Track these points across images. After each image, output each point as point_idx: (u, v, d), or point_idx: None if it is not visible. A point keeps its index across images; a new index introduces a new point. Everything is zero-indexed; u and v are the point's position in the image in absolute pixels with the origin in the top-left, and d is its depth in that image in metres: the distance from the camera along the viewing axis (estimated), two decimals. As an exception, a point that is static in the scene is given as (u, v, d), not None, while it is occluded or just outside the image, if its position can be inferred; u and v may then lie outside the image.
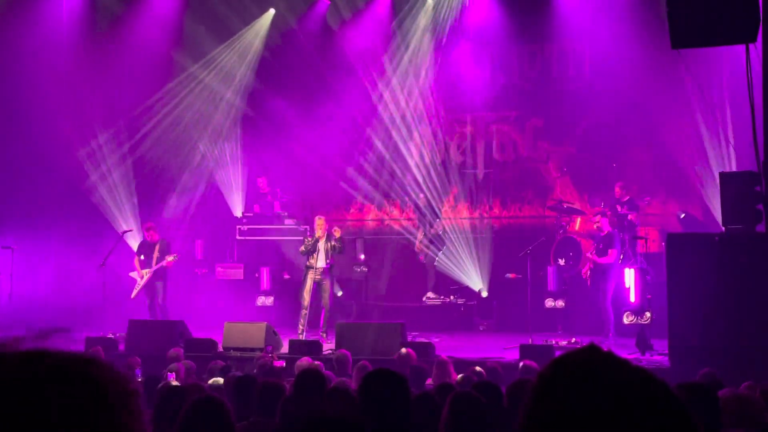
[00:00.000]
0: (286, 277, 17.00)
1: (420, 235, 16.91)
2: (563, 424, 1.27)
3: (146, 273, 14.95)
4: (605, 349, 1.36)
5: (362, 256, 17.08)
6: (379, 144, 18.29)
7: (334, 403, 5.04)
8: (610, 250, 13.49)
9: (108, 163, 17.57)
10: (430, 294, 16.57)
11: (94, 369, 1.25)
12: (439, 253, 16.66)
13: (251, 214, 17.53)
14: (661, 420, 1.27)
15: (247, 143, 18.65)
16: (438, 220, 16.86)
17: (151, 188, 17.75)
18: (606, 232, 13.77)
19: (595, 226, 14.11)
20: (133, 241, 16.41)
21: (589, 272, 13.96)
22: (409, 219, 17.98)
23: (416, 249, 16.92)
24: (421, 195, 17.23)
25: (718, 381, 6.76)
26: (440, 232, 16.77)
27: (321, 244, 13.91)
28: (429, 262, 16.78)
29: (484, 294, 16.24)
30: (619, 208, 14.90)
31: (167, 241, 15.22)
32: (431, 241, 16.70)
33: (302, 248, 14.12)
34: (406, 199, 17.99)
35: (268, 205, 17.48)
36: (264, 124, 18.54)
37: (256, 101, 18.71)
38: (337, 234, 13.98)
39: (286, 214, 17.27)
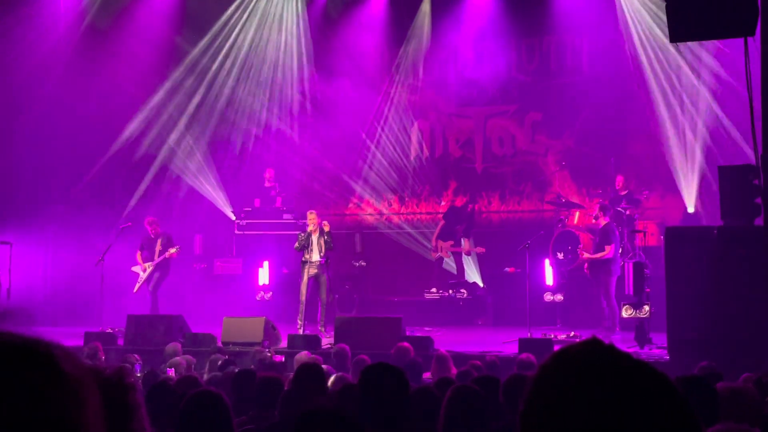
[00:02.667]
0: (285, 271, 16.99)
1: (448, 246, 16.69)
2: (564, 416, 1.27)
3: (149, 266, 14.98)
4: (607, 343, 1.36)
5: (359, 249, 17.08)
6: (377, 138, 18.30)
7: (339, 397, 5.05)
8: (606, 246, 13.37)
9: (104, 159, 17.57)
10: (433, 289, 16.55)
11: (58, 352, 1.23)
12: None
13: (250, 209, 17.51)
14: (663, 413, 1.27)
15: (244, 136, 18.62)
16: (465, 239, 16.66)
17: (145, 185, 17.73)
18: (603, 225, 13.67)
19: (593, 219, 14.07)
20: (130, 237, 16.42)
21: (587, 267, 13.84)
22: (411, 213, 17.98)
23: (435, 246, 16.77)
24: (471, 205, 17.01)
25: (717, 373, 6.76)
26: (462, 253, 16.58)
27: (314, 239, 13.93)
28: (442, 264, 16.76)
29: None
30: (623, 204, 14.88)
31: (169, 235, 15.24)
32: (452, 253, 16.58)
33: (296, 245, 14.14)
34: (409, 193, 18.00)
35: (271, 200, 17.46)
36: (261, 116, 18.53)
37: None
38: (326, 228, 13.98)
39: (284, 208, 17.26)
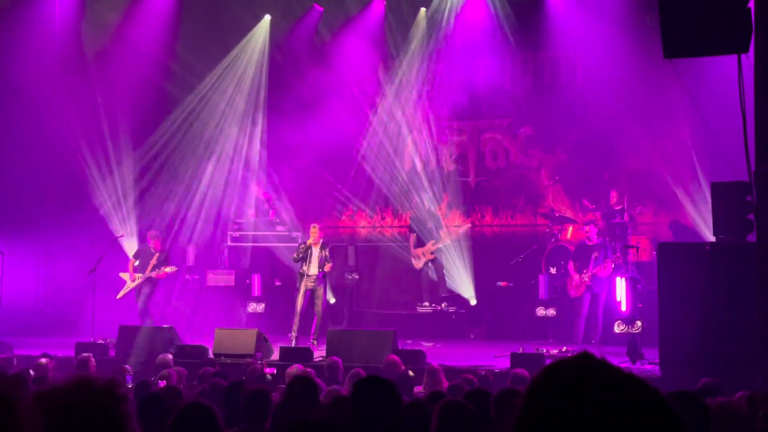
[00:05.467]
0: (278, 284, 16.96)
1: (414, 241, 16.72)
2: (557, 429, 1.27)
3: (139, 277, 14.86)
4: (598, 357, 1.37)
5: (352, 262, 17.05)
6: (371, 151, 18.29)
7: (332, 410, 5.04)
8: (606, 261, 13.47)
9: (99, 170, 17.52)
10: (426, 303, 16.52)
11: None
12: (431, 264, 16.59)
13: (243, 220, 17.50)
14: (654, 426, 1.28)
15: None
16: (442, 230, 16.69)
17: (138, 194, 17.68)
18: (598, 241, 13.74)
19: (586, 234, 14.08)
20: (126, 246, 16.36)
21: (584, 285, 13.77)
22: (404, 226, 17.93)
23: (415, 255, 16.75)
24: (425, 202, 17.07)
25: (718, 389, 6.76)
26: (441, 246, 16.61)
27: (314, 252, 13.87)
28: (427, 274, 16.69)
29: (473, 302, 16.23)
30: (616, 219, 14.95)
31: (168, 252, 15.13)
32: (432, 254, 16.57)
33: (294, 255, 14.10)
34: (400, 207, 18.02)
35: (264, 212, 17.46)
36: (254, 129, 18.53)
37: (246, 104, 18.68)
38: (327, 268, 13.87)
39: (278, 220, 17.25)
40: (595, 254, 13.54)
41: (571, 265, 13.94)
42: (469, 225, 16.65)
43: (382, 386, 4.43)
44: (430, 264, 16.56)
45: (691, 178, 15.75)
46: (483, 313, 16.13)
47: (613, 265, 13.61)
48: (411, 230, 16.91)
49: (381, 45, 18.54)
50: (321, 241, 13.96)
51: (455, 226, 16.98)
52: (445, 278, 16.49)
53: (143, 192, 17.68)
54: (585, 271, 13.52)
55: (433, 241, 16.46)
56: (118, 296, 15.01)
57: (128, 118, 17.62)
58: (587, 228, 14.05)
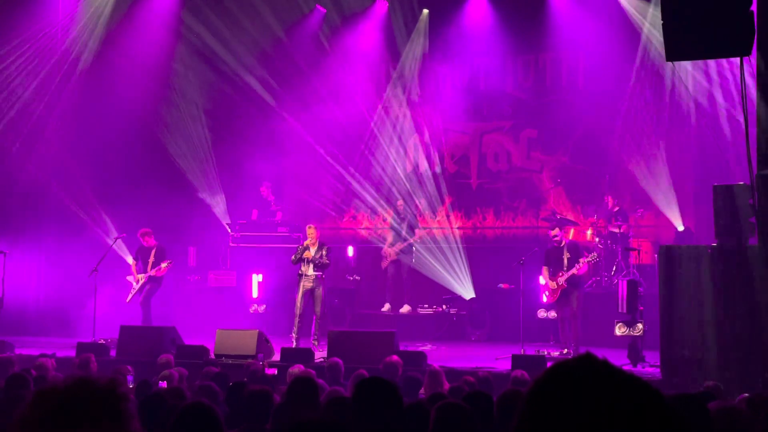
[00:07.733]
0: (280, 284, 16.95)
1: (391, 240, 16.71)
2: (558, 430, 1.27)
3: (142, 278, 14.91)
4: (601, 358, 1.37)
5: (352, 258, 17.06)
6: (373, 153, 18.31)
7: (330, 411, 5.04)
8: (581, 260, 13.17)
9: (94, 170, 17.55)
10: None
11: None
12: (412, 261, 16.59)
13: (245, 221, 17.51)
14: (656, 428, 1.28)
15: (240, 150, 18.60)
16: (416, 230, 16.68)
17: (140, 195, 17.67)
18: (568, 243, 13.48)
19: (555, 237, 13.68)
20: (124, 247, 16.36)
21: (560, 289, 13.38)
22: (422, 228, 17.97)
23: (385, 254, 16.71)
24: (399, 201, 17.10)
25: (720, 392, 6.75)
26: (411, 243, 16.55)
27: (312, 252, 13.88)
28: (395, 270, 16.63)
29: (467, 297, 16.24)
30: (613, 221, 14.95)
31: (163, 247, 15.17)
32: (402, 251, 16.53)
33: (293, 257, 14.11)
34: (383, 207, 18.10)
35: (270, 213, 17.46)
36: (257, 132, 18.52)
37: (248, 108, 18.67)
38: (307, 256, 13.88)
39: (279, 221, 17.26)
40: (567, 255, 13.30)
41: (543, 271, 13.61)
42: (423, 234, 16.80)
43: (384, 387, 4.43)
44: (394, 262, 16.58)
45: (693, 181, 15.75)
46: (484, 315, 16.12)
47: (615, 267, 13.47)
48: (392, 228, 16.84)
49: (383, 47, 18.55)
50: (318, 241, 13.97)
51: (425, 228, 17.03)
52: (403, 278, 16.52)
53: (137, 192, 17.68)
54: (561, 274, 13.23)
55: (399, 242, 16.51)
56: (128, 299, 15.04)
57: (126, 118, 17.66)
58: (556, 230, 13.70)
